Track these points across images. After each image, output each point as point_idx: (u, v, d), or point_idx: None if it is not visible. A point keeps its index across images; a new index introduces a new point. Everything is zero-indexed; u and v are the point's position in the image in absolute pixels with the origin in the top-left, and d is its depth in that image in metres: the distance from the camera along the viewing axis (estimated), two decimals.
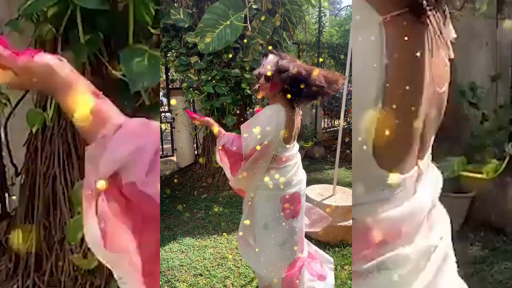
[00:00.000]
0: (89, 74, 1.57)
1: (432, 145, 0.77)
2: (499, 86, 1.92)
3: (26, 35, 1.60)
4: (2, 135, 1.78)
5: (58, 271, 1.58)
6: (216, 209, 4.12)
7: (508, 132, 1.83)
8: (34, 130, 1.51)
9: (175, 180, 5.07)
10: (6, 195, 1.92)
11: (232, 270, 2.82)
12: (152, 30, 1.47)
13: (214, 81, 4.40)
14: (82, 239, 1.46)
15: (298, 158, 1.96)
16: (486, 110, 1.87)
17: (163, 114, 5.76)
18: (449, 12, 0.69)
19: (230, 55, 4.37)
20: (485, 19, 1.70)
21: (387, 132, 0.61)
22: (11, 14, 1.53)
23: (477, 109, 1.85)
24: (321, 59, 7.12)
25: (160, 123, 5.87)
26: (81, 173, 1.61)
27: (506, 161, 1.73)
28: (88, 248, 1.58)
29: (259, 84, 1.79)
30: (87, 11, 1.47)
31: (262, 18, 4.40)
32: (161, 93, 5.46)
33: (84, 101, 0.67)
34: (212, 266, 2.87)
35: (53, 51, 1.64)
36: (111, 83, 1.64)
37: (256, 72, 1.81)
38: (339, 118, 5.37)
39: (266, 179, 1.80)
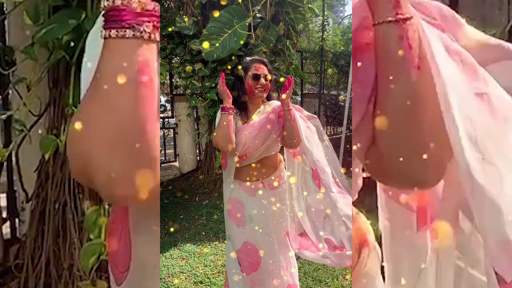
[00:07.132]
0: None
1: None
2: None
3: (40, 61, 1.61)
4: (14, 161, 1.79)
5: None
6: (217, 216, 4.12)
7: None
8: (47, 156, 1.52)
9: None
10: (17, 220, 1.93)
11: None
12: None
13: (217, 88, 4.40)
14: (92, 266, 1.47)
15: None
16: None
17: (166, 119, 5.75)
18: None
19: (234, 63, 4.38)
20: None
21: None
22: (25, 41, 1.53)
23: None
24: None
25: (163, 128, 5.86)
26: (91, 200, 1.63)
27: None
28: (97, 275, 1.59)
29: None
30: None
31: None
32: (164, 99, 5.45)
33: None
34: (213, 274, 2.84)
35: (66, 78, 1.65)
36: None
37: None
38: (341, 125, 5.38)
39: None
